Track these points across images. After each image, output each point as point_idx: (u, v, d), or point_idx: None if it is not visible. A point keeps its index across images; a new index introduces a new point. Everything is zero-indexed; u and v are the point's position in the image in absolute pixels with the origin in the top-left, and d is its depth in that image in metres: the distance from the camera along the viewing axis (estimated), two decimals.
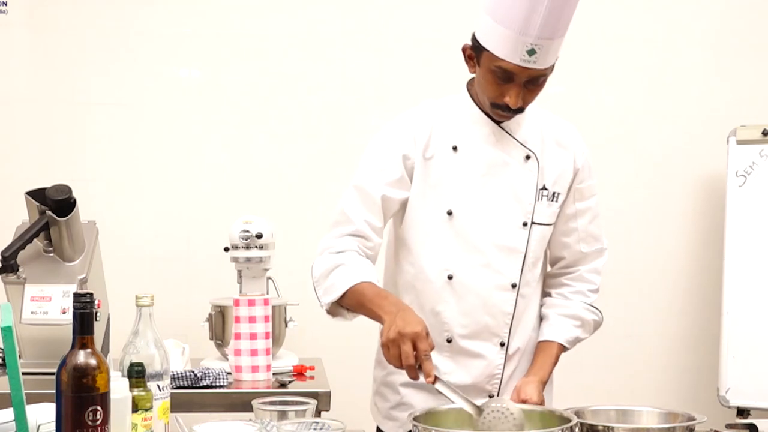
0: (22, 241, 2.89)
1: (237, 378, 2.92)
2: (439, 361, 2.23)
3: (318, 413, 2.47)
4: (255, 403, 1.95)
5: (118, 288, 3.14)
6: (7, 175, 3.56)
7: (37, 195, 2.94)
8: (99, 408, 1.57)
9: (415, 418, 1.84)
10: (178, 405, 2.05)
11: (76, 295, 1.60)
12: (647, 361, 3.87)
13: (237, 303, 2.94)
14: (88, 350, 1.59)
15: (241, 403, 2.77)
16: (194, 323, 3.24)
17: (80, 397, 1.56)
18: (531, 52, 2.05)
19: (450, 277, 2.22)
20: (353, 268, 2.13)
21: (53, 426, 1.64)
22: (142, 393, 1.77)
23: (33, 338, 2.85)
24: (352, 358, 2.86)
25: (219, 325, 3.15)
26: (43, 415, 1.71)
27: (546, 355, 2.29)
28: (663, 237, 3.87)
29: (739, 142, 3.59)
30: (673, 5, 3.86)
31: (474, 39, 2.15)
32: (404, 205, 2.24)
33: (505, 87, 2.12)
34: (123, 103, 3.64)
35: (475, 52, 2.16)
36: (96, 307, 2.35)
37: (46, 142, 3.61)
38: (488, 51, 2.10)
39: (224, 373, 2.89)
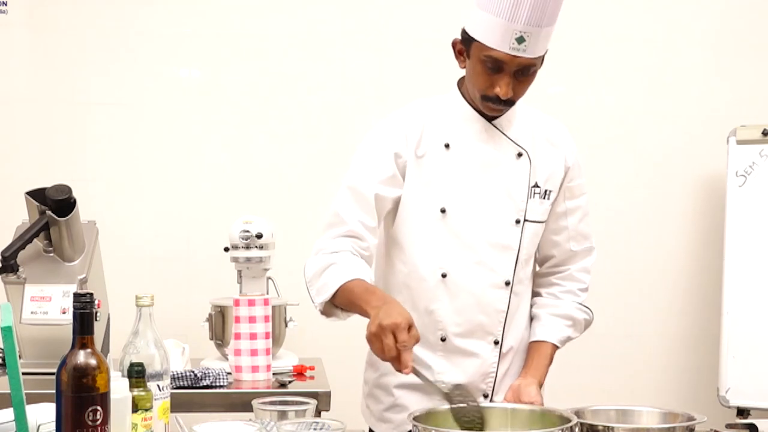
0: (22, 241, 2.89)
1: (237, 378, 2.92)
2: (433, 360, 2.23)
3: (318, 413, 2.47)
4: (255, 403, 1.95)
5: (118, 288, 3.14)
6: (7, 175, 3.56)
7: (37, 195, 2.94)
8: (99, 408, 1.57)
9: (416, 418, 1.84)
10: (178, 405, 2.05)
11: (76, 295, 1.60)
12: (647, 361, 3.87)
13: (237, 303, 2.94)
14: (88, 350, 1.59)
15: (241, 403, 2.77)
16: (194, 323, 3.24)
17: (80, 397, 1.56)
18: (520, 40, 2.06)
19: (444, 276, 2.21)
20: (344, 267, 2.11)
21: (53, 426, 1.64)
22: (142, 393, 1.77)
23: (33, 338, 2.85)
24: (352, 358, 2.84)
25: (219, 325, 3.15)
26: (43, 415, 1.71)
27: (541, 356, 2.29)
28: (663, 237, 3.87)
29: (739, 142, 3.59)
30: (673, 5, 3.86)
31: (463, 32, 2.16)
32: (396, 204, 2.24)
33: (495, 77, 2.12)
34: (123, 103, 3.64)
35: (464, 45, 2.17)
36: (96, 307, 2.35)
37: (46, 142, 3.61)
38: (478, 41, 2.10)
39: (224, 373, 2.89)
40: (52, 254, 2.97)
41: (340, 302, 2.11)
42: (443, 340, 2.24)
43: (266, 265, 3.25)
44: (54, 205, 2.92)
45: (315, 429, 1.81)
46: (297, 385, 2.92)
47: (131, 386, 1.75)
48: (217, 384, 2.86)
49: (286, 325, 3.19)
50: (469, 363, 2.25)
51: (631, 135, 3.85)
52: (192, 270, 3.63)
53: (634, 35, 3.85)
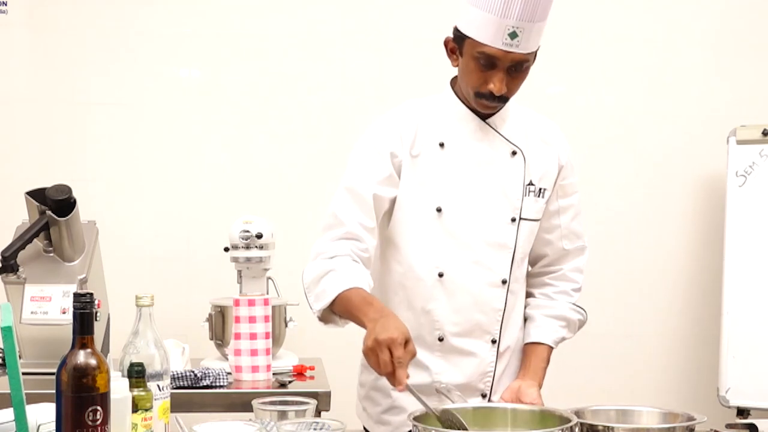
0: (22, 241, 2.89)
1: (237, 378, 2.92)
2: (431, 360, 2.22)
3: (318, 413, 2.47)
4: (255, 403, 1.95)
5: (118, 288, 3.14)
6: (7, 175, 3.56)
7: (37, 195, 2.94)
8: (99, 408, 1.57)
9: (416, 419, 1.83)
10: (178, 405, 2.05)
11: (76, 295, 1.60)
12: (647, 361, 3.87)
13: (237, 303, 2.94)
14: (88, 350, 1.59)
15: (241, 403, 2.77)
16: (194, 323, 3.24)
17: (80, 397, 1.56)
18: (513, 35, 2.06)
19: (440, 275, 2.21)
20: (343, 275, 2.09)
21: (53, 426, 1.64)
22: (142, 393, 1.77)
23: (33, 338, 2.85)
24: (352, 358, 2.83)
25: (219, 325, 3.15)
26: (43, 415, 1.71)
27: (538, 358, 2.29)
28: (663, 237, 3.87)
29: (739, 142, 3.59)
30: (673, 5, 3.86)
31: (456, 30, 2.17)
32: (393, 204, 2.23)
33: (489, 74, 2.12)
34: (123, 103, 3.64)
35: (457, 43, 2.17)
36: (96, 307, 2.35)
37: (46, 142, 3.61)
38: (470, 38, 2.10)
39: (224, 373, 2.89)
40: (52, 254, 2.97)
41: (338, 310, 2.10)
42: (441, 339, 2.23)
43: (266, 265, 3.25)
44: (54, 205, 2.92)
45: (315, 429, 1.81)
46: (297, 385, 2.92)
47: (131, 386, 1.75)
48: (217, 384, 2.86)
49: (286, 325, 3.19)
50: (467, 362, 2.25)
51: (631, 135, 3.85)
52: (192, 270, 3.63)
53: (634, 35, 3.85)
